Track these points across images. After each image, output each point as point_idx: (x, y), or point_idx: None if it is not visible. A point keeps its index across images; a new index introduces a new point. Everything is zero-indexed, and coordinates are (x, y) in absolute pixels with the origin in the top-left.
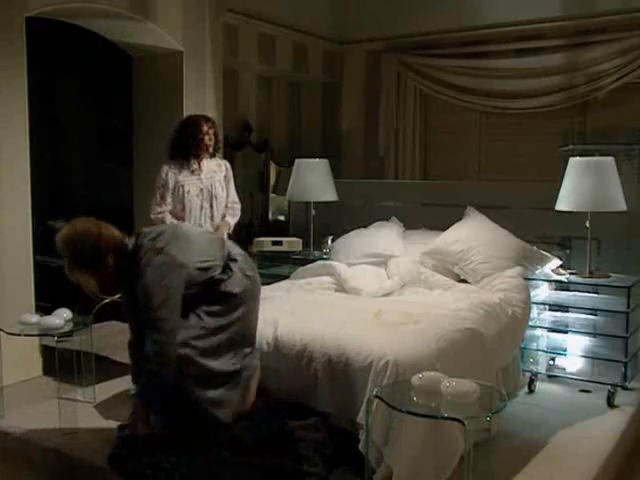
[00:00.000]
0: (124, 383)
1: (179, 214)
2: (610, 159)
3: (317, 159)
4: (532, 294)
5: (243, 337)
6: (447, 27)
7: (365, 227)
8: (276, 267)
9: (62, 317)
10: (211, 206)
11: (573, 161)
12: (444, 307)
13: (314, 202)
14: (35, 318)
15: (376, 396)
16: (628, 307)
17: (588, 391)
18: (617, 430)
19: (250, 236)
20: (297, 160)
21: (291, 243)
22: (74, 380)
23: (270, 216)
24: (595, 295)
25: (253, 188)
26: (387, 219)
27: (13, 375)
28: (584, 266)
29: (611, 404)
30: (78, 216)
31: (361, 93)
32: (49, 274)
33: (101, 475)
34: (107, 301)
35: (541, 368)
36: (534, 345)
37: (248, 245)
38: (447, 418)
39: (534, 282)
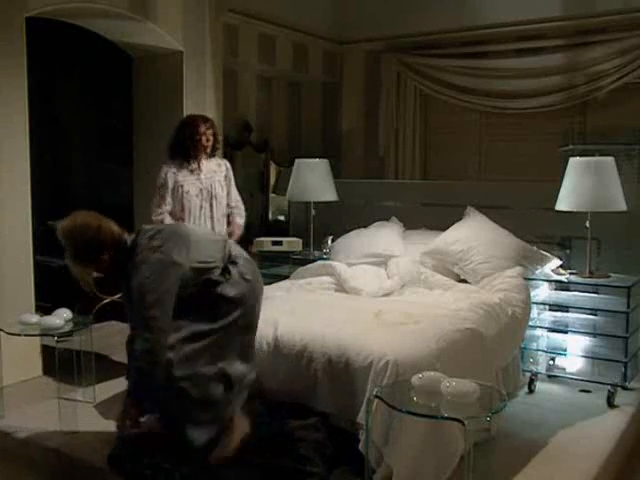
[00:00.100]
0: (124, 383)
1: (178, 214)
2: (610, 159)
3: (317, 159)
4: (532, 294)
5: (232, 346)
6: (447, 27)
7: (365, 227)
8: (276, 267)
9: (62, 317)
10: (211, 206)
11: (573, 161)
12: (444, 307)
13: (314, 202)
14: (35, 318)
15: (376, 396)
16: (628, 307)
17: (588, 391)
18: (617, 430)
19: (250, 236)
20: (297, 160)
21: (291, 243)
22: (74, 380)
23: (270, 216)
24: (595, 295)
25: (253, 188)
26: (387, 219)
27: (13, 375)
28: (584, 266)
29: (611, 404)
30: None
31: (361, 93)
32: (49, 274)
33: (101, 475)
34: (107, 301)
35: (541, 368)
36: (534, 345)
37: (248, 245)
38: (447, 418)
39: (534, 282)
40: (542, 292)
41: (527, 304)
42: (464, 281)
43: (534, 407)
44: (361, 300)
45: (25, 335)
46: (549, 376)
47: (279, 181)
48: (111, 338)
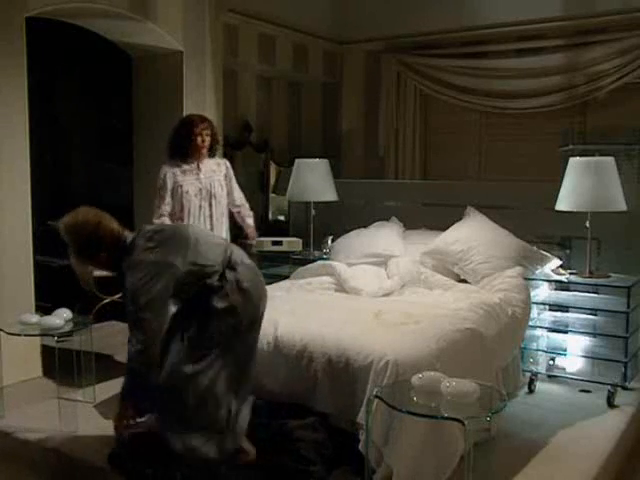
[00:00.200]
0: None
1: (178, 214)
2: (610, 159)
3: (317, 159)
4: (532, 294)
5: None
6: (447, 27)
7: (365, 227)
8: (276, 267)
9: (62, 317)
10: (210, 205)
11: (573, 161)
12: (444, 307)
13: (314, 202)
14: (35, 318)
15: (376, 396)
16: (628, 307)
17: (588, 391)
18: (617, 430)
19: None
20: (297, 160)
21: (291, 243)
22: (74, 380)
23: (270, 216)
24: (595, 295)
25: (253, 188)
26: (387, 219)
27: (13, 375)
28: (584, 266)
29: (611, 404)
30: None
31: (361, 93)
32: (49, 274)
33: (101, 475)
34: (107, 301)
35: (541, 368)
36: (534, 345)
37: (247, 245)
38: (447, 418)
39: (534, 282)
40: (542, 292)
41: (527, 304)
42: (464, 281)
43: (534, 407)
44: (361, 300)
45: (25, 335)
46: (549, 376)
47: (279, 181)
48: (111, 338)
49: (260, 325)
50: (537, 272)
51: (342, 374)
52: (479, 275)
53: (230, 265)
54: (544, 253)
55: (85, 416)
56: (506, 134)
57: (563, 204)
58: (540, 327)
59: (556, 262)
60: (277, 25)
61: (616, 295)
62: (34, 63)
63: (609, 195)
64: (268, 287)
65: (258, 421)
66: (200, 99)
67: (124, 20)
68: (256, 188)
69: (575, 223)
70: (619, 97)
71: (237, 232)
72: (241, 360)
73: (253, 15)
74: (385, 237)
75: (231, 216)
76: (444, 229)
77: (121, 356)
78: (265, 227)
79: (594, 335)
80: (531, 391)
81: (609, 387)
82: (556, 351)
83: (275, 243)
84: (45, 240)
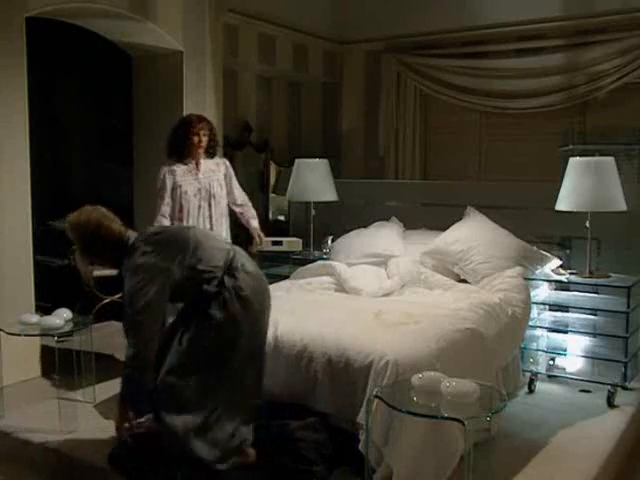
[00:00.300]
0: None
1: (177, 214)
2: (610, 159)
3: (317, 159)
4: (532, 294)
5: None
6: (447, 27)
7: (365, 227)
8: (276, 267)
9: (62, 317)
10: (209, 206)
11: (573, 161)
12: (444, 307)
13: (314, 202)
14: (35, 318)
15: (376, 396)
16: (628, 307)
17: (588, 391)
18: (617, 430)
19: (250, 236)
20: (297, 160)
21: (291, 243)
22: (74, 380)
23: (270, 216)
24: (595, 295)
25: (253, 188)
26: (387, 219)
27: (13, 375)
28: (584, 266)
29: (611, 404)
30: None
31: (361, 93)
32: (49, 274)
33: (101, 475)
34: (107, 301)
35: (541, 368)
36: (534, 345)
37: (248, 245)
38: (447, 418)
39: (534, 282)
40: (542, 292)
41: (527, 304)
42: (464, 281)
43: (534, 407)
44: (361, 300)
45: (25, 335)
46: (549, 376)
47: (279, 181)
48: (111, 338)
49: (263, 337)
50: (537, 272)
51: (342, 374)
52: (479, 275)
53: (230, 271)
54: (544, 253)
55: (85, 416)
56: (506, 134)
57: (563, 204)
58: (540, 327)
59: (556, 262)
60: (277, 25)
61: (616, 295)
62: (34, 63)
63: (609, 195)
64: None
65: (258, 422)
66: (200, 99)
67: (124, 20)
68: (256, 188)
69: (575, 223)
70: (619, 97)
71: (237, 232)
72: (241, 375)
73: (253, 15)
74: (385, 237)
75: (235, 217)
76: (444, 229)
77: (121, 356)
78: (265, 227)
79: (594, 335)
80: (531, 391)
81: (609, 387)
82: (556, 351)
83: (275, 243)
84: (45, 240)
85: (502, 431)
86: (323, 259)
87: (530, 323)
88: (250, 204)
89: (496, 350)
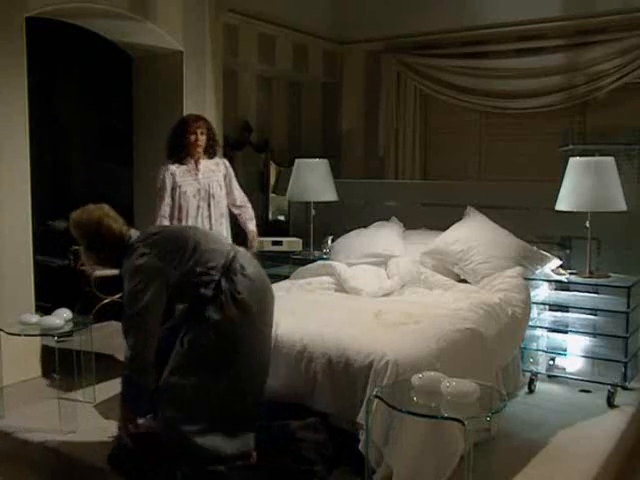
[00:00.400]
0: None
1: (176, 215)
2: (610, 159)
3: (317, 159)
4: (532, 294)
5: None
6: (447, 27)
7: (365, 227)
8: (276, 267)
9: (62, 317)
10: (209, 206)
11: (573, 161)
12: (444, 307)
13: (314, 202)
14: (35, 318)
15: (376, 396)
16: (628, 307)
17: (588, 391)
18: (617, 430)
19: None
20: (297, 160)
21: (291, 243)
22: (74, 380)
23: (270, 216)
24: (595, 295)
25: (253, 188)
26: (387, 219)
27: (13, 375)
28: (584, 266)
29: (611, 404)
30: None
31: (361, 93)
32: (49, 274)
33: (101, 475)
34: (107, 301)
35: (541, 368)
36: (534, 345)
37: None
38: (447, 418)
39: (534, 282)
40: (542, 292)
41: (527, 304)
42: (464, 281)
43: (534, 407)
44: (361, 300)
45: (25, 335)
46: (549, 376)
47: (279, 181)
48: (111, 338)
49: (265, 338)
50: (537, 272)
51: (342, 374)
52: (479, 275)
53: (227, 274)
54: (544, 253)
55: (85, 416)
56: (506, 134)
57: (563, 204)
58: (540, 327)
59: (556, 262)
60: (277, 25)
61: (616, 295)
62: (34, 63)
63: (609, 195)
64: None
65: (258, 422)
66: (200, 99)
67: (124, 20)
68: (256, 188)
69: (575, 223)
70: (619, 97)
71: (237, 231)
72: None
73: (253, 15)
74: (385, 237)
75: (234, 217)
76: (444, 229)
77: (121, 356)
78: (265, 227)
79: (594, 335)
80: (531, 391)
81: (609, 387)
82: (556, 351)
83: (275, 243)
84: (45, 240)
85: (502, 431)
86: (323, 259)
87: (530, 323)
88: (249, 205)
89: (496, 350)
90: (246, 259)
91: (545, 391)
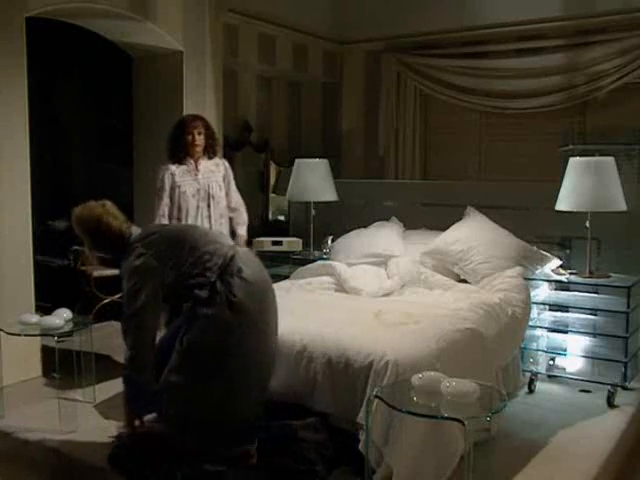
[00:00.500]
0: None
1: (176, 215)
2: (610, 159)
3: (317, 159)
4: (532, 294)
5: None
6: (447, 27)
7: (365, 227)
8: (276, 267)
9: (62, 317)
10: (208, 206)
11: (573, 161)
12: (444, 307)
13: (314, 202)
14: (35, 318)
15: (376, 396)
16: (628, 307)
17: (588, 391)
18: (617, 430)
19: (250, 236)
20: (297, 160)
21: (291, 243)
22: (74, 380)
23: (270, 216)
24: (595, 295)
25: (253, 188)
26: (387, 219)
27: (13, 375)
28: (584, 266)
29: (611, 404)
30: None
31: (361, 93)
32: (49, 274)
33: (101, 475)
34: (107, 301)
35: (541, 368)
36: (534, 345)
37: (248, 245)
38: (447, 418)
39: (534, 282)
40: (542, 292)
41: (527, 304)
42: (464, 281)
43: (534, 407)
44: (361, 300)
45: (25, 335)
46: (549, 376)
47: (279, 181)
48: (111, 338)
49: (266, 340)
50: (537, 272)
51: (342, 374)
52: (479, 275)
53: (223, 276)
54: (544, 253)
55: (85, 416)
56: (506, 134)
57: (563, 204)
58: (540, 327)
59: (556, 262)
60: (277, 25)
61: (616, 295)
62: (34, 63)
63: (609, 195)
64: None
65: (258, 423)
66: (200, 99)
67: (124, 20)
68: (256, 188)
69: (575, 223)
70: (619, 97)
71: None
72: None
73: (253, 15)
74: (385, 237)
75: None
76: (444, 229)
77: (120, 356)
78: (265, 227)
79: (594, 335)
80: (531, 391)
81: (609, 387)
82: (556, 351)
83: (275, 243)
84: (45, 240)
85: (502, 431)
86: (323, 259)
87: (530, 323)
88: (243, 210)
89: (496, 350)
90: (245, 259)
91: (545, 391)
